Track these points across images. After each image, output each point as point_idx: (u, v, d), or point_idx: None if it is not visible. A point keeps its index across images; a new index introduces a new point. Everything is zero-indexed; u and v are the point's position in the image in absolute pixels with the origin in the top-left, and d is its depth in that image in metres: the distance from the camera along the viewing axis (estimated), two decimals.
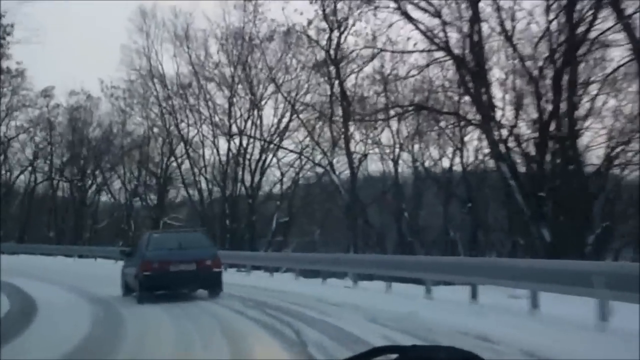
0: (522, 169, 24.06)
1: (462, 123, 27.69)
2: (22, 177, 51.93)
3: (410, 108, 26.35)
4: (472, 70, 22.66)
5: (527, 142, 24.75)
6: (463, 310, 12.71)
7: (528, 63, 23.97)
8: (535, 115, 24.48)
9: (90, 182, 50.02)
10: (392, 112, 27.31)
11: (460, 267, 14.65)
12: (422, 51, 24.07)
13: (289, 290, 18.67)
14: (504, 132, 24.29)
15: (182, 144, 41.83)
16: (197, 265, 16.92)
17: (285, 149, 37.63)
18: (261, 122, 38.46)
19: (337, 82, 32.18)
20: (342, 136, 33.13)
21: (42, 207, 51.69)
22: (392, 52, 25.51)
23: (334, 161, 34.68)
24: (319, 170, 36.71)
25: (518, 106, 25.47)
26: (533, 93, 24.32)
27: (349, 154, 33.06)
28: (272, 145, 38.18)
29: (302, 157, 37.16)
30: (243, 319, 13.11)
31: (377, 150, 34.19)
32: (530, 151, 24.42)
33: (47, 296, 17.76)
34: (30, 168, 50.27)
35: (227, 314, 13.99)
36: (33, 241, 47.16)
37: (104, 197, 50.61)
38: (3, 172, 51.11)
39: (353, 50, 28.65)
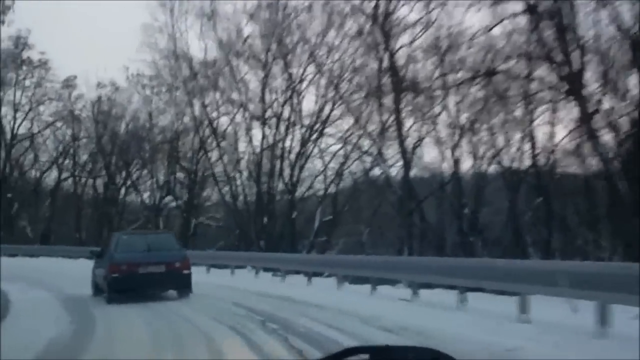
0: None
1: (536, 99, 23.00)
2: (52, 175, 48.37)
3: (478, 73, 21.68)
4: (556, 23, 18.05)
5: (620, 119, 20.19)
6: (593, 344, 8.16)
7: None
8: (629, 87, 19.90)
9: (120, 180, 46.01)
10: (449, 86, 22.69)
11: (580, 276, 9.95)
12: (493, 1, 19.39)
13: (328, 304, 14.32)
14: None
15: (213, 135, 37.58)
16: (166, 267, 16.70)
17: (330, 135, 33.04)
18: (300, 107, 34.08)
19: (386, 55, 27.63)
20: (394, 119, 28.52)
21: (70, 207, 47.85)
22: None
23: (384, 150, 30.10)
24: (367, 160, 32.10)
25: (607, 75, 20.77)
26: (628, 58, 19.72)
27: (401, 138, 28.46)
28: (313, 135, 33.70)
29: (348, 145, 32.57)
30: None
31: (433, 134, 29.46)
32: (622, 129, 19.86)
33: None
34: (55, 166, 46.54)
35: (231, 347, 9.71)
36: (59, 243, 43.58)
37: (136, 197, 46.56)
38: (31, 170, 47.70)
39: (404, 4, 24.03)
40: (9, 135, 45.59)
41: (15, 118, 45.23)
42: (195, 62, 36.16)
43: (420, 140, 30.00)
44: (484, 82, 22.92)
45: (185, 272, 16.87)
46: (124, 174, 44.97)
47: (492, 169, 31.33)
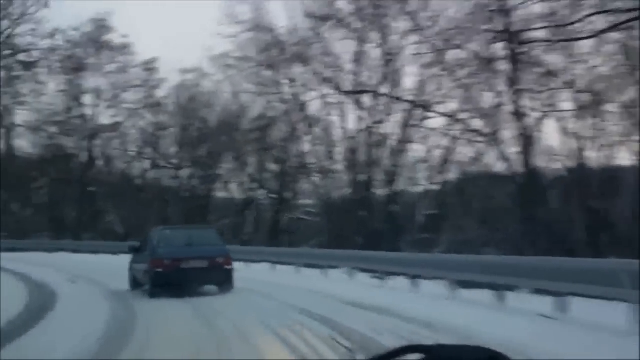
0: None
1: None
2: (137, 168, 45.59)
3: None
4: None
5: None
6: None
7: None
8: None
9: (208, 172, 42.75)
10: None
11: None
12: None
13: (442, 321, 10.56)
14: None
15: (304, 120, 34.03)
16: (208, 263, 16.61)
17: (434, 117, 28.74)
18: (400, 84, 30.06)
19: (501, 18, 23.44)
20: (511, 94, 24.27)
21: (156, 201, 44.96)
22: None
23: (500, 132, 25.80)
24: (479, 143, 27.80)
25: None
26: None
27: (520, 117, 24.19)
28: (415, 115, 29.63)
29: (456, 126, 28.29)
30: None
31: (555, 112, 25.08)
32: None
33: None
34: (140, 157, 43.74)
35: None
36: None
37: (225, 190, 43.30)
38: (116, 162, 45.27)
39: None
40: (91, 125, 43.32)
41: (98, 106, 42.94)
42: (280, 34, 32.74)
43: (541, 119, 25.77)
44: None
45: (227, 267, 16.83)
46: (212, 165, 41.89)
47: (624, 154, 26.87)
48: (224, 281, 16.65)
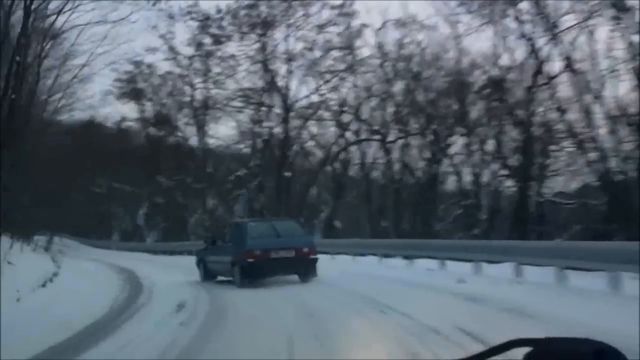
0: None
1: None
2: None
3: None
4: None
5: None
6: None
7: None
8: None
9: (434, 148, 33.52)
10: None
11: None
12: None
13: None
14: None
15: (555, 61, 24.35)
16: (295, 253, 17.49)
17: None
18: None
19: None
20: None
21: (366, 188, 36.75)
22: None
23: None
24: None
25: None
26: None
27: None
28: None
29: None
30: None
31: None
32: None
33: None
34: (342, 132, 35.40)
35: None
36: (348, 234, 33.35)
37: (454, 172, 34.08)
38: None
39: None
40: (285, 98, 36.03)
41: (291, 73, 35.47)
42: None
43: None
44: None
45: (312, 257, 17.51)
46: (436, 140, 32.88)
47: None
48: (309, 270, 17.23)
